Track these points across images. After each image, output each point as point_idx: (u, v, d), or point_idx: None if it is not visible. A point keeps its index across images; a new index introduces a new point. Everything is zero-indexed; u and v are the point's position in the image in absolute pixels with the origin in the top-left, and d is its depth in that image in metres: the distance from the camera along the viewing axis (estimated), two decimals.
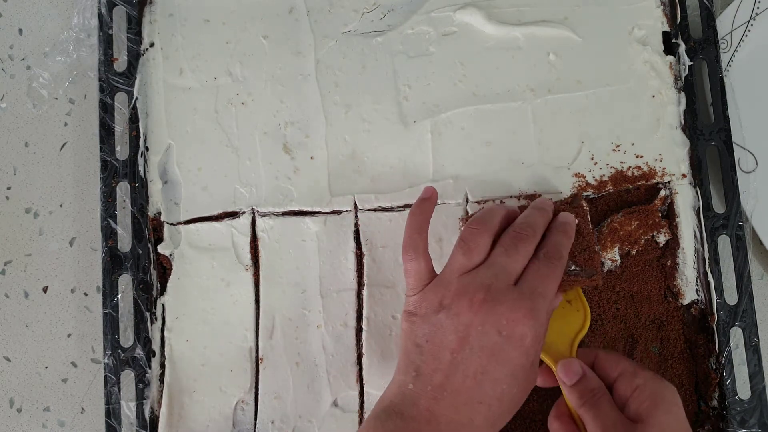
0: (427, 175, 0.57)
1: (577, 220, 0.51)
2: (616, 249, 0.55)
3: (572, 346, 0.50)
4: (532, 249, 0.48)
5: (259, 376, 0.56)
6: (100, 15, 0.60)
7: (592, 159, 0.56)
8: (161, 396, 0.56)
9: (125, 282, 0.58)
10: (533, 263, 0.47)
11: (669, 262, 0.56)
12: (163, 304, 0.57)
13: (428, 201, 0.51)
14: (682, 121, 0.57)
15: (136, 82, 0.59)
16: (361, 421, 0.55)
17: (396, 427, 0.44)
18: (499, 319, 0.45)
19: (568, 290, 0.52)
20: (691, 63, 0.57)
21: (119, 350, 0.57)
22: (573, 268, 0.50)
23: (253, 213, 0.58)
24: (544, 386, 0.50)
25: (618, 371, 0.48)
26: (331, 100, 0.58)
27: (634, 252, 0.56)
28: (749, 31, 0.60)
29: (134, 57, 0.60)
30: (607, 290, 0.56)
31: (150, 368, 0.56)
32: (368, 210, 0.57)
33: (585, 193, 0.56)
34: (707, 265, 0.55)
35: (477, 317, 0.45)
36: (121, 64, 0.60)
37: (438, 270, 0.49)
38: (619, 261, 0.56)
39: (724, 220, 0.56)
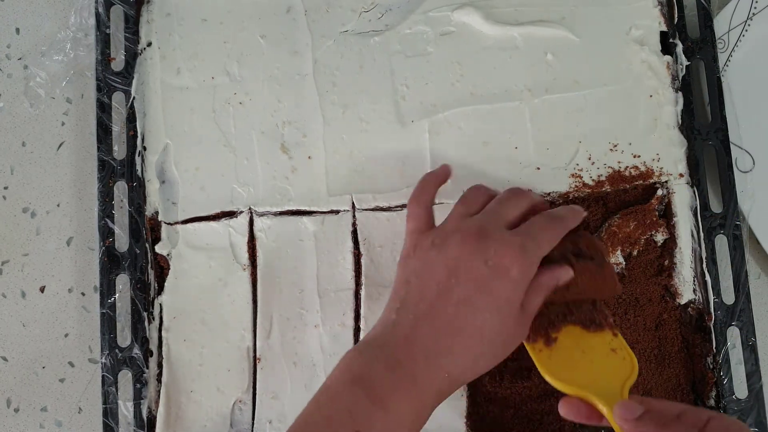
0: None
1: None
2: (618, 252, 0.55)
3: (623, 391, 0.47)
4: (527, 204, 0.49)
5: (257, 376, 0.56)
6: (97, 14, 0.60)
7: (590, 159, 0.57)
8: (159, 396, 0.56)
9: (123, 282, 0.58)
10: (531, 218, 0.48)
11: (666, 262, 0.56)
12: (160, 304, 0.57)
13: (445, 171, 0.52)
14: (680, 121, 0.57)
15: (134, 82, 0.59)
16: None
17: (373, 355, 0.44)
18: (487, 250, 0.45)
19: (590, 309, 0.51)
20: (688, 63, 0.57)
21: (117, 350, 0.57)
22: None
23: (251, 213, 0.58)
24: (569, 418, 0.47)
25: (679, 410, 0.45)
26: (328, 99, 0.58)
27: (635, 253, 0.56)
28: (746, 30, 0.60)
29: (131, 56, 0.60)
30: None
31: (147, 368, 0.56)
32: (366, 210, 0.57)
33: (581, 194, 0.56)
34: (704, 265, 0.55)
35: (465, 249, 0.45)
36: (118, 63, 0.60)
37: None
38: (624, 263, 0.56)
39: (721, 219, 0.56)
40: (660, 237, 0.56)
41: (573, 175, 0.56)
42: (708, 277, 0.55)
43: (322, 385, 0.45)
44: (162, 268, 0.58)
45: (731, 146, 0.57)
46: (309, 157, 0.58)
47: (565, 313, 0.48)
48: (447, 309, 0.44)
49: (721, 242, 0.56)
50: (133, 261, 0.57)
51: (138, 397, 0.56)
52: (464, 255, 0.45)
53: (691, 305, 0.56)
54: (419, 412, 0.44)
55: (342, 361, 0.45)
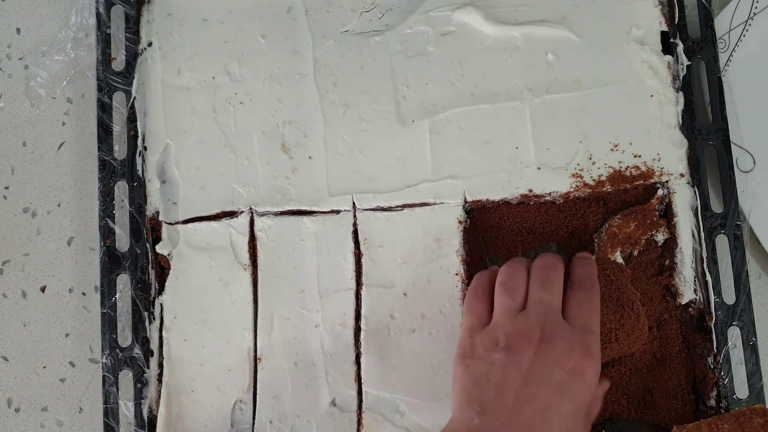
0: (425, 175, 0.57)
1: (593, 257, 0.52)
2: (618, 252, 0.55)
3: None
4: (562, 277, 0.49)
5: (258, 376, 0.56)
6: (98, 14, 0.60)
7: (590, 159, 0.57)
8: (159, 396, 0.56)
9: (123, 282, 0.58)
10: (571, 295, 0.48)
11: (667, 262, 0.56)
12: (161, 304, 0.57)
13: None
14: (680, 121, 0.57)
15: (134, 82, 0.59)
16: (359, 421, 0.55)
17: None
18: (559, 355, 0.45)
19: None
20: (689, 63, 0.57)
21: (117, 350, 0.57)
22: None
23: (252, 213, 0.58)
24: None
25: None
26: (329, 99, 0.58)
27: (636, 253, 0.56)
28: (747, 30, 0.60)
29: (132, 56, 0.60)
30: None
31: (148, 368, 0.56)
32: (367, 210, 0.57)
33: (582, 194, 0.56)
34: (705, 265, 0.55)
35: (538, 354, 0.45)
36: (119, 63, 0.60)
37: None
38: (624, 264, 0.56)
39: (722, 219, 0.56)
40: (661, 237, 0.56)
41: (574, 175, 0.56)
42: (709, 277, 0.55)
43: None
44: (163, 268, 0.58)
45: (732, 146, 0.57)
46: (309, 157, 0.58)
47: None
48: (534, 417, 0.44)
49: (722, 242, 0.56)
50: (134, 261, 0.57)
51: (139, 397, 0.56)
52: (537, 360, 0.45)
53: (692, 305, 0.56)
54: None
55: None
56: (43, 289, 0.62)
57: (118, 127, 0.59)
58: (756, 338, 0.55)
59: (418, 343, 0.55)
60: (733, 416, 0.50)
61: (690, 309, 0.56)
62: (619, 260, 0.55)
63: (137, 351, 0.56)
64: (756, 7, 0.59)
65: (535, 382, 0.45)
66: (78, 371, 0.61)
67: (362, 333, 0.56)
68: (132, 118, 0.59)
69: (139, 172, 0.58)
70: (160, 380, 0.57)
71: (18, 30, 0.65)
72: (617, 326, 0.50)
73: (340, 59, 0.59)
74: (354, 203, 0.57)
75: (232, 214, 0.58)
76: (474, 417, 0.45)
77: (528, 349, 0.46)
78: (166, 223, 0.58)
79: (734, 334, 0.55)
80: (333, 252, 0.57)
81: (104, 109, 0.59)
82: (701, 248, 0.56)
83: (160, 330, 0.57)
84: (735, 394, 0.54)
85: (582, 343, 0.46)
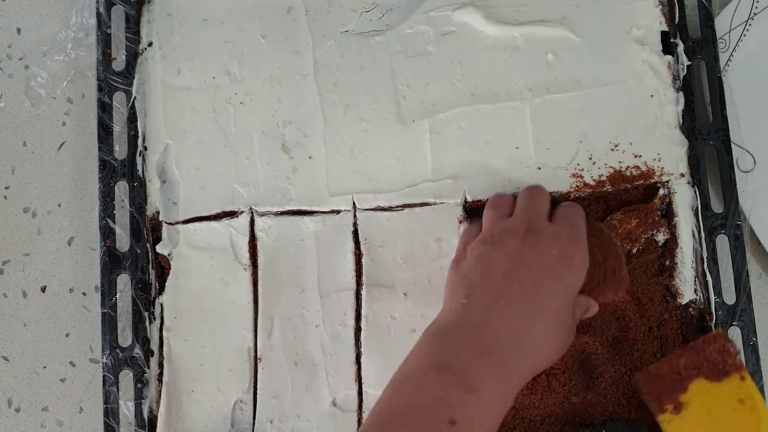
0: (425, 175, 0.57)
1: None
2: None
3: None
4: (548, 197, 0.51)
5: (258, 376, 0.56)
6: (98, 14, 0.60)
7: (591, 159, 0.56)
8: (160, 396, 0.56)
9: (124, 281, 0.58)
10: (556, 211, 0.50)
11: (667, 262, 0.56)
12: (161, 304, 0.57)
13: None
14: (681, 121, 0.57)
15: (135, 82, 0.59)
16: (360, 421, 0.55)
17: (455, 341, 0.44)
18: (546, 242, 0.47)
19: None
20: (689, 62, 0.57)
21: (118, 350, 0.57)
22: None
23: (252, 213, 0.58)
24: None
25: None
26: (329, 99, 0.58)
27: (634, 251, 0.56)
28: (747, 30, 0.60)
29: (132, 56, 0.60)
30: None
31: (148, 368, 0.56)
32: (367, 209, 0.57)
33: (582, 194, 0.56)
34: (705, 265, 0.55)
35: (525, 243, 0.47)
36: (119, 63, 0.60)
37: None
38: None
39: (722, 219, 0.56)
40: (661, 237, 0.56)
41: (574, 175, 0.56)
42: (709, 277, 0.55)
43: (399, 373, 0.45)
44: (163, 267, 0.58)
45: (732, 146, 0.57)
46: (310, 157, 0.58)
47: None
48: (521, 291, 0.45)
49: (722, 242, 0.56)
50: (134, 261, 0.57)
51: (139, 397, 0.56)
52: (525, 247, 0.46)
53: (692, 305, 0.56)
54: (507, 396, 0.44)
55: (418, 348, 0.45)
56: (43, 289, 0.62)
57: (119, 127, 0.59)
58: (756, 338, 0.55)
59: None
60: (691, 348, 0.51)
61: (690, 309, 0.56)
62: None
63: (137, 351, 0.56)
64: (756, 7, 0.59)
65: (522, 264, 0.46)
66: (78, 371, 0.61)
67: (362, 333, 0.56)
68: (132, 118, 0.59)
69: (140, 172, 0.58)
70: (160, 380, 0.57)
71: (18, 30, 0.65)
72: (602, 276, 0.51)
73: (341, 59, 0.59)
74: (354, 203, 0.57)
75: (232, 214, 0.58)
76: (461, 299, 0.46)
77: (514, 239, 0.47)
78: (166, 223, 0.58)
79: (734, 334, 0.55)
80: (333, 252, 0.57)
81: (104, 109, 0.59)
82: (701, 248, 0.56)
83: (161, 330, 0.57)
84: None
85: (569, 232, 0.48)
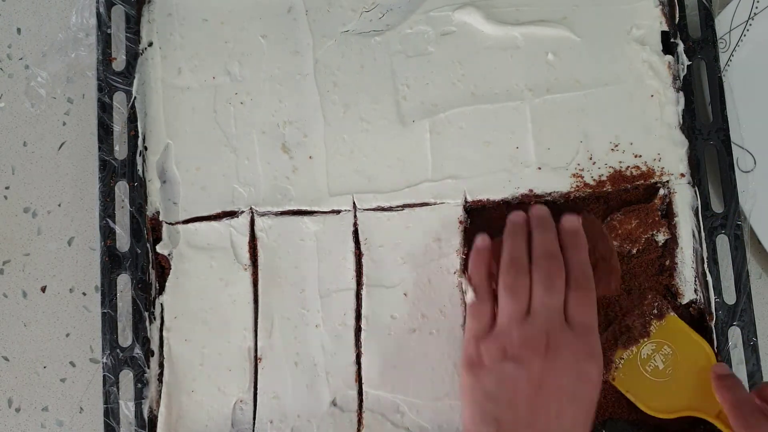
0: (425, 175, 0.57)
1: (579, 218, 0.52)
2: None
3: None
4: (564, 275, 0.50)
5: (258, 376, 0.56)
6: (98, 14, 0.60)
7: (591, 158, 0.56)
8: (160, 396, 0.56)
9: (124, 281, 0.58)
10: (570, 295, 0.49)
11: (668, 262, 0.56)
12: (161, 304, 0.57)
13: (484, 250, 0.53)
14: (681, 121, 0.57)
15: (135, 82, 0.59)
16: (360, 421, 0.55)
17: None
18: (566, 362, 0.47)
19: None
20: (689, 62, 0.57)
21: (118, 350, 0.57)
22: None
23: (252, 213, 0.58)
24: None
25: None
26: (329, 99, 0.58)
27: (635, 251, 0.56)
28: (748, 30, 0.60)
29: (133, 56, 0.60)
30: None
31: (149, 368, 0.56)
32: (367, 210, 0.57)
33: (582, 194, 0.56)
34: (706, 265, 0.55)
35: (546, 363, 0.47)
36: (119, 63, 0.60)
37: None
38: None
39: (722, 219, 0.56)
40: (661, 237, 0.56)
41: (574, 175, 0.56)
42: (709, 277, 0.55)
43: None
44: (163, 267, 0.58)
45: (732, 146, 0.57)
46: (310, 157, 0.58)
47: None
48: (549, 425, 0.46)
49: (723, 242, 0.56)
50: (134, 261, 0.57)
51: (139, 397, 0.56)
52: (547, 369, 0.47)
53: (693, 305, 0.56)
54: None
55: None
56: (43, 289, 0.62)
57: (119, 127, 0.59)
58: (756, 338, 0.55)
59: (419, 343, 0.55)
60: (587, 220, 0.53)
61: (690, 309, 0.56)
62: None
63: (138, 351, 0.56)
64: (756, 7, 0.59)
65: (546, 392, 0.47)
66: (78, 371, 0.61)
67: (362, 333, 0.56)
68: (132, 118, 0.59)
69: (140, 172, 0.58)
70: (160, 380, 0.57)
71: (18, 30, 0.65)
72: (593, 264, 0.51)
73: (341, 59, 0.59)
74: (354, 203, 0.57)
75: (232, 214, 0.58)
76: (490, 430, 0.47)
77: (536, 358, 0.47)
78: (166, 223, 0.58)
79: (735, 334, 0.55)
80: (333, 252, 0.57)
81: (105, 109, 0.59)
82: (702, 248, 0.56)
83: (161, 330, 0.57)
84: None
85: (585, 347, 0.48)
